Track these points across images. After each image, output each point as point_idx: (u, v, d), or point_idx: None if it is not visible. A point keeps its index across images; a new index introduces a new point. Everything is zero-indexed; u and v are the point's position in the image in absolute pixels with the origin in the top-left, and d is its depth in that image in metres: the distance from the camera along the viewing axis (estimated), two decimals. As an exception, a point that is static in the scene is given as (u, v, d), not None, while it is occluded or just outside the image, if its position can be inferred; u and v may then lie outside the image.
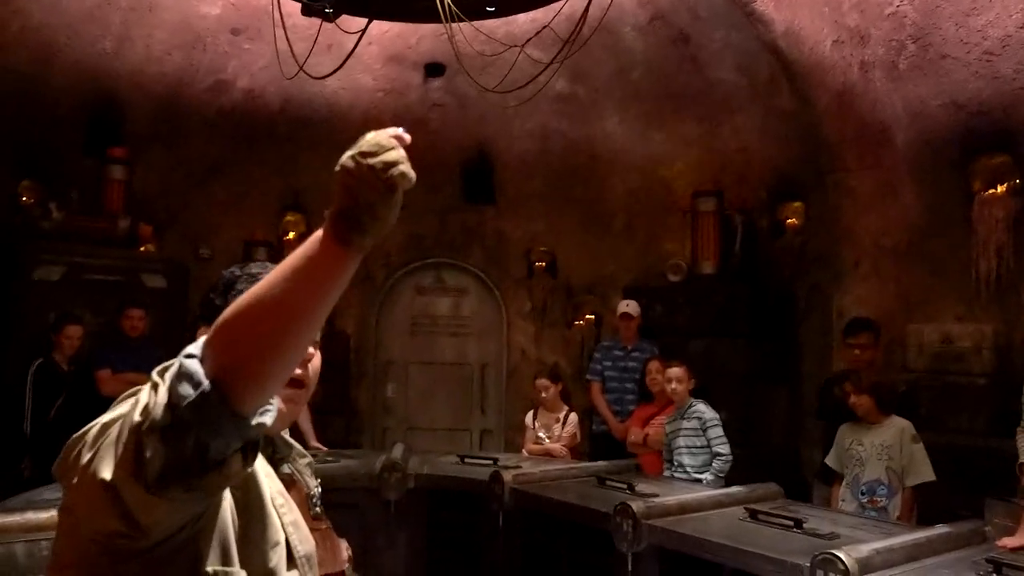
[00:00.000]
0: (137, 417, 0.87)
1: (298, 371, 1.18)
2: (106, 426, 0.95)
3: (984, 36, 4.56)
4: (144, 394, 0.89)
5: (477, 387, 7.55)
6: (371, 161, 0.86)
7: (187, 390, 0.84)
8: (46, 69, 6.02)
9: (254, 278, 1.17)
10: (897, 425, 3.81)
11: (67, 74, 6.15)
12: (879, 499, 3.77)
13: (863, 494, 3.81)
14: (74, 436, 0.99)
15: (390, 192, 0.86)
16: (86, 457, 0.93)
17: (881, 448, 3.79)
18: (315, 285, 0.87)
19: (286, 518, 1.13)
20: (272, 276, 0.87)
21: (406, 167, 0.88)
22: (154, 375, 0.90)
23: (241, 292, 1.12)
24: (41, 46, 5.89)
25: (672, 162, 6.95)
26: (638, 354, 5.77)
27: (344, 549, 1.43)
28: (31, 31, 5.77)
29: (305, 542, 1.15)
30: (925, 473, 3.71)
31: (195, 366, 0.85)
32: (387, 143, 0.89)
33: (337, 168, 0.87)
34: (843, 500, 3.91)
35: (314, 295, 0.87)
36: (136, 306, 5.48)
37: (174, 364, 0.88)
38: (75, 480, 0.94)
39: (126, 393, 0.99)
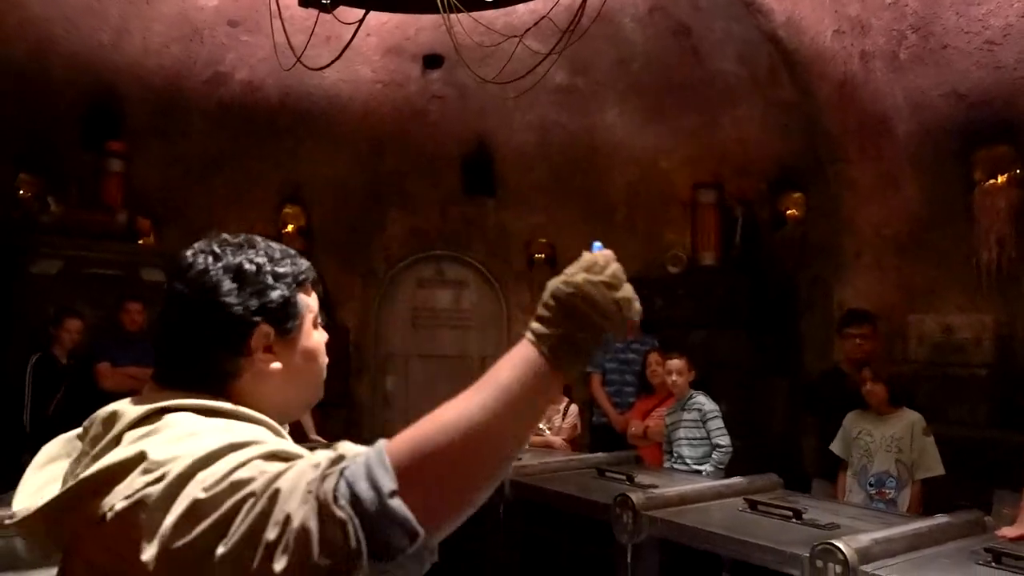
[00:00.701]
0: (317, 558, 0.73)
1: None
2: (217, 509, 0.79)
3: (985, 25, 4.54)
4: (307, 516, 0.74)
5: (477, 380, 7.54)
6: (617, 296, 0.86)
7: (402, 541, 0.75)
8: (44, 62, 6.01)
9: (297, 267, 1.09)
10: (908, 418, 3.78)
11: (65, 67, 6.14)
12: (888, 491, 3.75)
13: (871, 485, 3.79)
14: (126, 496, 0.83)
15: (625, 327, 0.86)
16: (194, 539, 0.78)
17: (891, 440, 3.76)
18: (537, 413, 0.87)
19: None
20: (482, 407, 0.83)
21: (637, 302, 0.88)
22: (321, 493, 0.75)
23: (298, 284, 1.07)
24: (39, 39, 5.88)
25: (672, 154, 6.93)
26: (638, 346, 5.76)
27: None
28: (29, 24, 5.75)
29: None
30: (935, 467, 3.69)
31: (406, 512, 0.75)
32: (622, 274, 0.89)
33: (567, 291, 0.87)
34: (850, 491, 3.90)
35: (535, 422, 0.87)
36: (135, 300, 5.47)
37: (363, 490, 0.75)
38: (154, 547, 0.79)
39: (234, 466, 0.82)
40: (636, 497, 2.99)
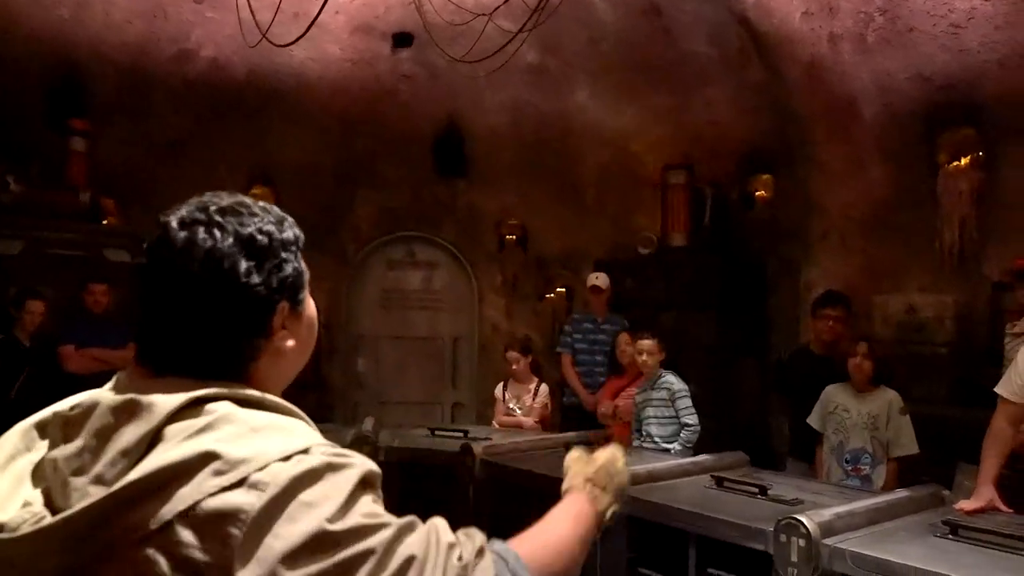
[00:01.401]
0: None
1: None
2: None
3: (951, 8, 4.59)
4: None
5: (449, 361, 7.55)
6: (625, 480, 1.43)
7: None
8: (4, 37, 5.85)
9: (296, 232, 1.03)
10: (886, 396, 3.86)
11: (26, 42, 5.98)
12: (863, 467, 3.83)
13: (847, 462, 3.86)
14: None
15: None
16: None
17: (868, 417, 3.84)
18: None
19: None
20: (578, 541, 1.19)
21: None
22: None
23: (298, 252, 1.01)
24: (-2, 14, 5.72)
25: (643, 135, 6.95)
26: (608, 327, 5.80)
27: None
28: (-14, -2, 5.60)
29: None
30: (910, 446, 3.78)
31: None
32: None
33: (617, 483, 1.39)
34: (828, 468, 3.96)
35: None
36: (99, 281, 5.38)
37: None
38: (257, 567, 0.76)
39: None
40: (605, 475, 3.02)
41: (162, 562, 0.77)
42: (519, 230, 7.28)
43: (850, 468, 3.85)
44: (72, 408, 0.89)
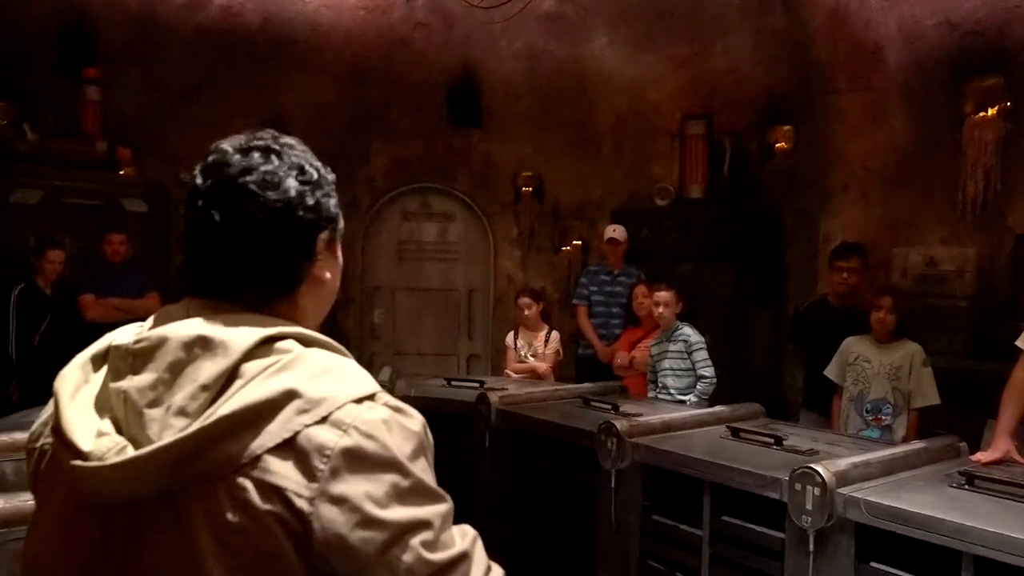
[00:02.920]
0: None
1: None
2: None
3: (982, -49, 4.45)
4: None
5: (464, 313, 7.57)
6: None
7: None
8: (13, -16, 5.80)
9: (330, 173, 1.09)
10: (908, 348, 3.87)
11: (35, -11, 5.92)
12: (884, 418, 3.84)
13: (867, 412, 3.87)
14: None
15: None
16: None
17: (891, 368, 3.84)
18: None
19: None
20: None
21: None
22: None
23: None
24: (7, -41, 5.66)
25: (661, 84, 6.83)
26: (624, 278, 5.78)
27: None
28: (-5, -57, 5.53)
29: None
30: (932, 397, 3.79)
31: None
32: None
33: None
34: (846, 417, 3.98)
35: None
36: (117, 231, 5.41)
37: None
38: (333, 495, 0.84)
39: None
40: (620, 424, 3.04)
41: (252, 490, 0.82)
42: (535, 181, 7.22)
43: (871, 418, 3.86)
44: (137, 341, 0.91)
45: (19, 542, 1.02)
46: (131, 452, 0.83)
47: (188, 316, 0.93)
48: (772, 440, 2.94)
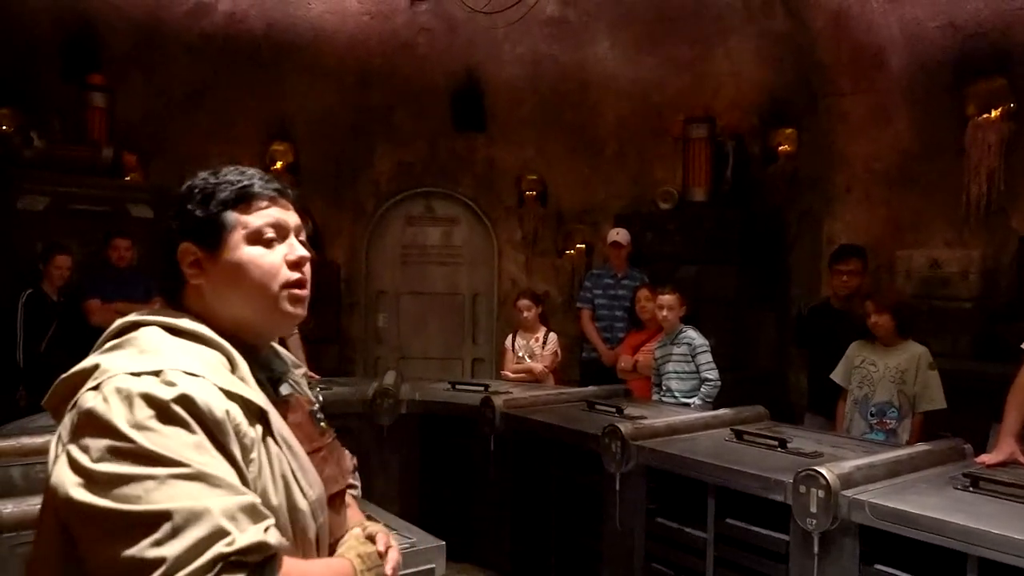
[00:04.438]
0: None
1: (298, 275, 1.19)
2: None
3: (984, -47, 4.45)
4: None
5: (468, 316, 7.58)
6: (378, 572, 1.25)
7: None
8: (19, -9, 5.83)
9: (232, 185, 1.18)
10: (914, 350, 3.81)
11: (41, -4, 5.96)
12: (889, 421, 3.80)
13: (872, 415, 3.85)
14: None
15: None
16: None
17: (896, 371, 3.79)
18: None
19: (294, 464, 1.10)
20: None
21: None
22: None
23: (224, 203, 1.17)
24: (13, -33, 5.69)
25: (664, 87, 6.84)
26: (628, 282, 5.79)
27: (349, 459, 1.43)
28: (1, -49, 5.56)
29: (314, 486, 1.14)
30: (938, 400, 3.74)
31: None
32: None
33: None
34: (850, 420, 3.96)
35: None
36: (123, 236, 5.43)
37: None
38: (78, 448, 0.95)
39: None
40: (625, 427, 3.05)
41: (55, 437, 1.02)
42: (538, 185, 7.23)
43: (875, 422, 3.84)
44: None
45: (28, 546, 1.13)
46: None
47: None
48: (776, 443, 2.95)
